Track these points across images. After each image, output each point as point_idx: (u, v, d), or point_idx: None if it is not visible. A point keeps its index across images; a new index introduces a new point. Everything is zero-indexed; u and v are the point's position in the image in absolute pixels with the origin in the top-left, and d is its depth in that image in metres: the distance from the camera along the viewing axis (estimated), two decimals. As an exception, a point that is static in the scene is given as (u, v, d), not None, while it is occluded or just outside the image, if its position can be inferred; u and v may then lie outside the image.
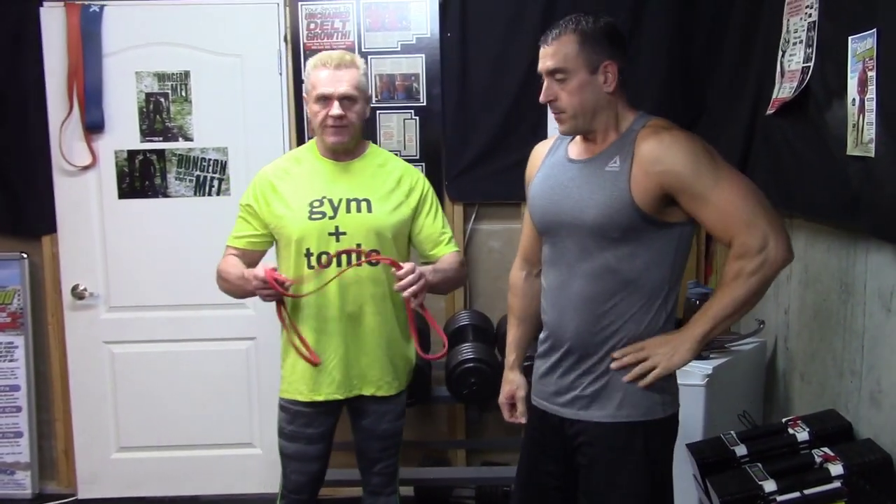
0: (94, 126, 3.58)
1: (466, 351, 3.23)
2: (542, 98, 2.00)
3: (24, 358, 3.73)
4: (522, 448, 2.25)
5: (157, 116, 3.61)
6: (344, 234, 2.48)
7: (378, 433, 2.64)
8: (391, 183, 2.58)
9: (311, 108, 2.50)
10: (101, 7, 3.53)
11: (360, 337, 2.53)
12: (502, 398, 2.36)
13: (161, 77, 3.59)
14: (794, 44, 2.63)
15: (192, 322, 3.68)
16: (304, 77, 2.58)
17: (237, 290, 2.55)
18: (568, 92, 1.94)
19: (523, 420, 2.29)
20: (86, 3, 3.52)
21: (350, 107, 2.46)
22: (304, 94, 2.64)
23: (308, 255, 2.49)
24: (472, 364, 3.17)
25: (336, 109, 2.43)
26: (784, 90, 2.67)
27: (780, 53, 2.74)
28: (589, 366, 2.00)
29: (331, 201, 2.50)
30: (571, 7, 3.45)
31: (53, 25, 3.52)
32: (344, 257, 2.46)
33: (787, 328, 2.94)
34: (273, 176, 2.57)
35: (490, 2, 3.53)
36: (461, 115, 3.59)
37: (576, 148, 2.06)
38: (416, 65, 3.58)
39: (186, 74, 3.58)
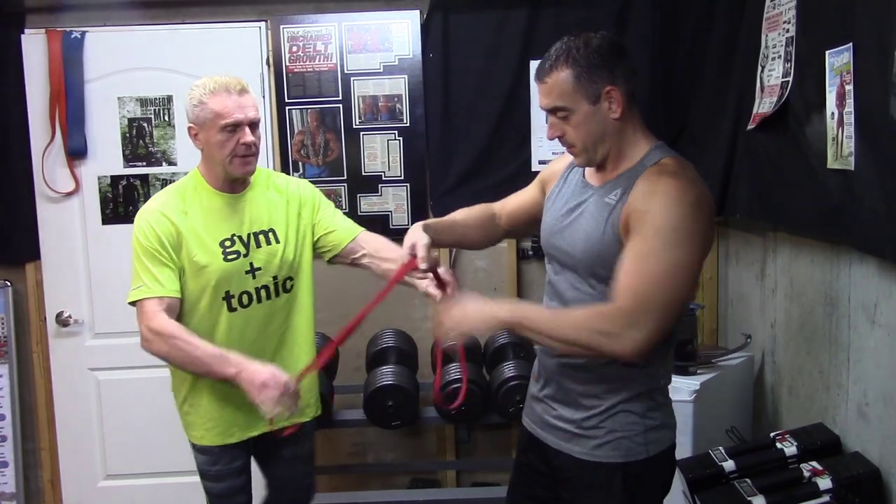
0: (76, 152, 3.56)
1: (454, 371, 3.22)
2: (548, 135, 1.90)
3: (8, 387, 3.69)
4: (514, 468, 2.19)
5: (141, 141, 3.60)
6: (259, 269, 2.38)
7: (303, 455, 2.68)
8: (283, 205, 2.47)
9: (214, 138, 2.28)
10: (83, 33, 3.53)
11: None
12: (403, 250, 2.06)
13: (144, 102, 3.58)
14: (773, 59, 2.65)
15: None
16: (192, 104, 2.30)
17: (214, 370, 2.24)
18: (573, 127, 1.83)
19: (423, 266, 2.01)
20: (67, 29, 3.52)
21: (255, 132, 2.32)
22: (191, 125, 2.33)
23: (228, 297, 2.35)
24: (461, 384, 3.15)
25: (249, 136, 2.28)
26: (764, 105, 2.68)
27: (760, 69, 2.76)
28: (562, 399, 1.96)
29: (241, 238, 2.37)
30: (553, 27, 3.50)
31: (35, 52, 3.51)
32: (263, 292, 2.39)
33: (773, 342, 2.95)
34: (173, 215, 2.32)
35: (471, 22, 3.55)
36: (445, 135, 3.60)
37: (590, 170, 1.96)
38: (398, 86, 3.59)
39: (169, 99, 3.58)
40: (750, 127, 2.77)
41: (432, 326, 1.80)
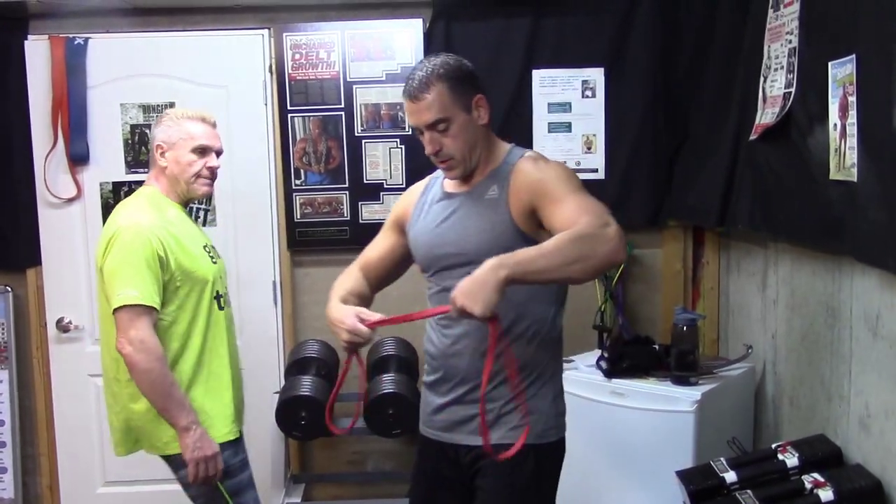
0: (78, 158, 3.57)
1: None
2: (428, 151, 2.04)
3: (8, 392, 3.69)
4: (414, 480, 2.32)
5: (143, 148, 3.60)
6: (221, 276, 2.60)
7: None
8: None
9: (183, 158, 2.47)
10: (86, 39, 3.54)
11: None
12: (349, 322, 2.03)
13: (146, 108, 3.59)
14: (776, 69, 2.65)
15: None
16: (166, 124, 2.50)
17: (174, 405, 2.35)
18: (452, 137, 2.00)
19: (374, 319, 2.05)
20: (70, 35, 3.53)
21: (218, 160, 2.56)
22: (160, 143, 2.49)
23: (217, 297, 2.52)
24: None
25: (215, 161, 2.53)
26: (766, 115, 2.68)
27: (762, 79, 2.76)
28: (476, 397, 1.99)
29: (207, 245, 2.58)
30: (555, 36, 3.51)
31: (38, 58, 3.52)
32: (223, 298, 2.57)
33: (774, 353, 2.94)
34: (167, 225, 2.43)
35: (474, 31, 3.55)
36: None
37: (452, 182, 2.13)
38: (401, 94, 3.58)
39: (171, 105, 3.57)
40: (752, 137, 2.77)
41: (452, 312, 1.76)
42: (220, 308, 2.53)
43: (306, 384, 3.24)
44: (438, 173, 2.20)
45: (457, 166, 2.05)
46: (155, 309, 2.34)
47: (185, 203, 2.58)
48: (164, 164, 2.49)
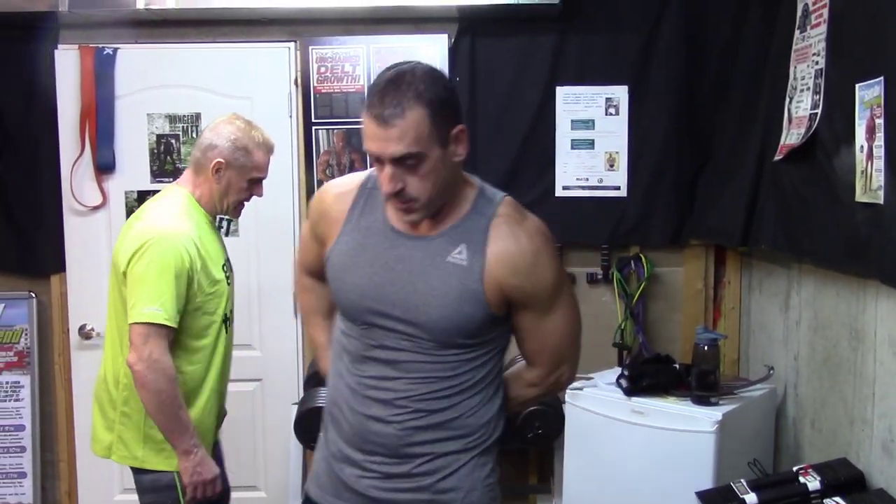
0: (105, 167, 3.61)
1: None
2: (386, 189, 1.61)
3: (29, 397, 3.72)
4: None
5: (168, 157, 3.63)
6: (232, 297, 2.57)
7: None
8: None
9: (238, 183, 2.47)
10: (115, 50, 3.58)
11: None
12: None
13: (172, 119, 3.62)
14: (802, 90, 2.64)
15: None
16: (235, 145, 2.44)
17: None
18: (420, 177, 1.60)
19: None
20: (100, 46, 3.57)
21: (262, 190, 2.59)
22: (221, 160, 2.43)
23: (226, 320, 2.50)
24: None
25: (261, 191, 2.57)
26: (792, 136, 2.68)
27: (788, 100, 2.75)
28: (407, 471, 1.75)
29: (229, 262, 2.57)
30: (579, 53, 3.52)
31: (68, 67, 3.57)
32: (230, 321, 2.55)
33: (796, 374, 2.92)
34: (195, 237, 2.38)
35: (498, 47, 3.57)
36: (469, 159, 3.56)
37: (394, 213, 1.72)
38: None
39: (197, 116, 3.62)
40: (777, 158, 2.77)
41: None
42: (227, 331, 2.52)
43: (325, 396, 3.23)
44: (374, 181, 1.76)
45: (418, 210, 1.65)
46: (172, 328, 2.29)
47: (214, 216, 2.56)
48: (216, 179, 2.44)
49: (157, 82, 3.62)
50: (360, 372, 1.75)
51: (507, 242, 1.68)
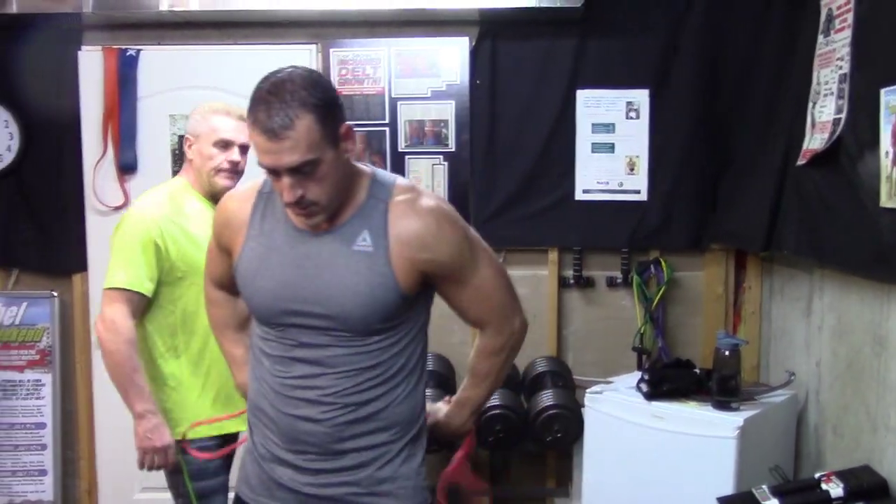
0: (127, 167, 3.63)
1: (493, 398, 3.21)
2: (287, 199, 1.62)
3: (51, 395, 3.75)
4: None
5: (189, 158, 3.65)
6: None
7: None
8: None
9: (206, 151, 2.50)
10: (138, 51, 3.60)
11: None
12: None
13: (194, 120, 3.64)
14: (825, 95, 2.63)
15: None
16: (195, 118, 2.54)
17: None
18: (317, 181, 1.61)
19: None
20: (123, 47, 3.60)
21: (244, 156, 2.54)
22: (188, 136, 2.54)
23: None
24: (498, 411, 3.16)
25: (236, 156, 2.51)
26: (815, 141, 2.67)
27: (811, 104, 2.74)
28: (339, 466, 1.77)
29: None
30: (600, 57, 3.52)
31: (91, 69, 3.60)
32: None
33: (818, 380, 2.90)
34: (176, 217, 2.46)
35: (519, 50, 3.58)
36: (490, 161, 3.61)
37: (301, 219, 1.73)
38: (445, 111, 3.61)
39: (219, 118, 3.63)
40: (800, 163, 2.75)
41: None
42: None
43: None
44: (271, 185, 1.75)
45: (320, 213, 1.66)
46: (141, 294, 2.38)
47: (213, 197, 2.52)
48: (191, 156, 2.54)
49: (179, 84, 3.64)
50: (284, 373, 1.76)
51: (407, 221, 1.71)
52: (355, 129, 1.70)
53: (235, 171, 2.53)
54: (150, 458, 2.41)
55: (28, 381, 3.75)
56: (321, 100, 1.58)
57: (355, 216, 1.71)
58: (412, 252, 1.70)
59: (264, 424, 1.81)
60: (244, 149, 2.52)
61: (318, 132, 1.57)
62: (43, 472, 3.77)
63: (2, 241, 3.73)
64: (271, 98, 1.56)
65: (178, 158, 3.65)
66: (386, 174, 1.80)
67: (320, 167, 1.59)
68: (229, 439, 2.56)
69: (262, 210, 1.79)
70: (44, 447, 3.77)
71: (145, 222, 2.42)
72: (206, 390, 2.52)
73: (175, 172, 3.65)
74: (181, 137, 3.61)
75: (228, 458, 2.57)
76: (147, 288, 2.40)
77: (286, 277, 1.72)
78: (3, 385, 3.81)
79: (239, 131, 2.50)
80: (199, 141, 2.52)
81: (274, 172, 1.61)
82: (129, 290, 2.37)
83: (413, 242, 1.70)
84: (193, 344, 2.50)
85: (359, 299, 1.68)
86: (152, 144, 3.65)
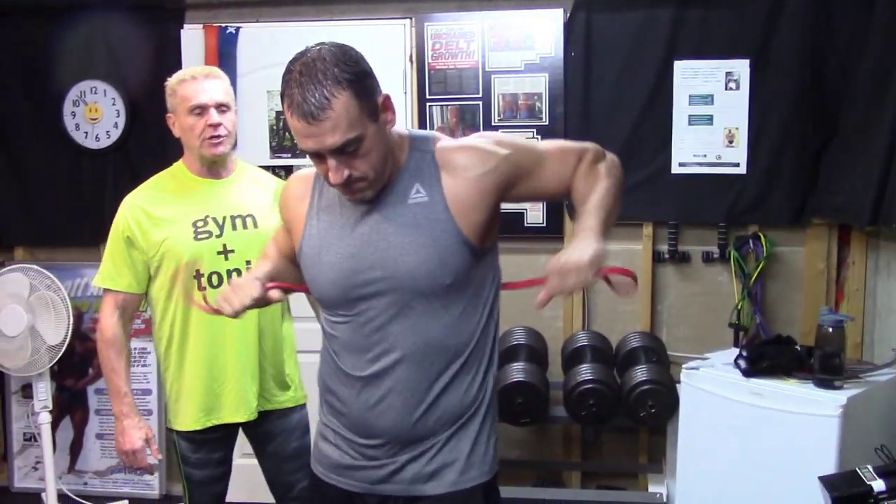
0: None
1: (585, 372, 3.21)
2: (334, 181, 1.57)
3: (155, 363, 3.88)
4: None
5: (287, 134, 3.73)
6: (232, 251, 2.42)
7: (288, 453, 2.60)
8: (269, 196, 2.51)
9: (184, 123, 2.40)
10: (237, 29, 3.69)
11: (257, 355, 2.50)
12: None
13: (290, 96, 3.70)
14: (941, 62, 2.52)
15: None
16: (167, 94, 2.44)
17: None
18: (363, 157, 1.56)
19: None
20: (223, 25, 3.69)
21: (225, 115, 2.41)
22: (168, 115, 2.46)
23: (198, 276, 2.40)
24: (591, 385, 3.15)
25: (215, 117, 2.38)
26: (929, 111, 2.56)
27: (924, 73, 2.62)
28: (418, 452, 1.72)
29: (214, 219, 2.43)
30: (699, 27, 3.44)
31: (193, 46, 3.70)
32: (235, 275, 2.40)
33: (926, 359, 2.80)
34: (144, 202, 2.43)
35: (615, 22, 3.52)
36: (584, 135, 3.55)
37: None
38: (539, 84, 3.59)
39: (315, 93, 3.69)
40: (911, 133, 2.65)
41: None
42: (201, 288, 2.40)
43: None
44: None
45: (369, 188, 1.61)
46: (118, 291, 2.42)
47: (212, 171, 2.48)
48: (178, 134, 2.46)
49: (276, 60, 3.63)
50: (354, 358, 1.71)
51: (455, 156, 1.66)
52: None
53: (219, 135, 2.40)
54: (123, 458, 2.51)
55: (134, 349, 3.90)
56: (355, 74, 1.53)
57: (403, 173, 1.66)
58: (471, 175, 1.63)
59: (336, 409, 1.78)
60: (222, 108, 2.41)
61: (357, 108, 1.52)
62: (149, 436, 3.92)
63: (110, 214, 3.85)
64: (304, 80, 1.51)
65: (276, 133, 3.73)
66: (422, 131, 1.78)
67: (363, 143, 1.54)
68: (223, 429, 2.52)
69: (321, 188, 1.74)
70: (149, 412, 3.93)
71: (118, 216, 2.44)
72: (195, 387, 2.47)
73: (273, 148, 3.75)
74: (279, 114, 3.72)
75: (220, 453, 2.57)
76: (122, 284, 2.42)
77: (349, 249, 1.67)
78: (112, 353, 3.99)
79: (207, 90, 2.39)
80: (177, 116, 2.43)
81: (317, 155, 1.57)
82: (107, 288, 2.44)
83: (468, 166, 1.64)
84: (190, 338, 2.45)
85: (422, 252, 1.61)
86: (251, 120, 3.73)
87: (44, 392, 3.66)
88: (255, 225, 2.46)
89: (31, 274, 3.56)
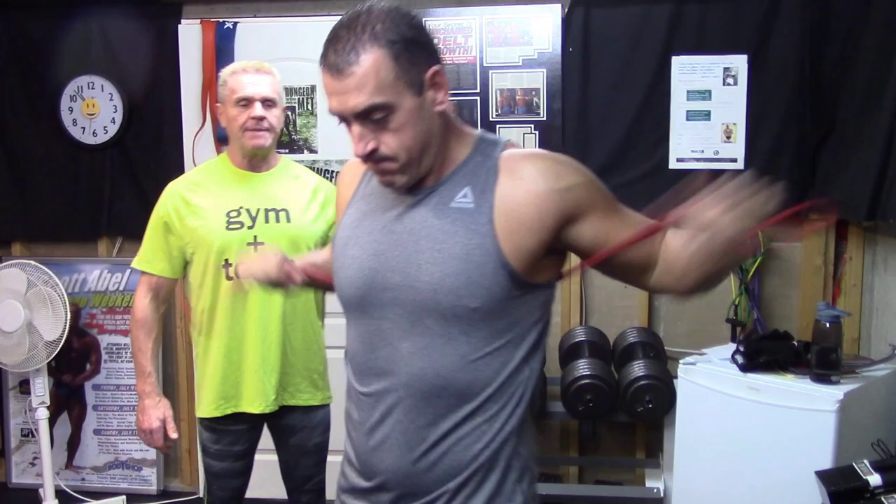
0: (225, 138, 3.68)
1: (583, 367, 3.21)
2: (357, 151, 1.37)
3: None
4: None
5: (284, 129, 3.71)
6: (262, 244, 2.42)
7: (309, 448, 2.60)
8: (307, 194, 2.54)
9: (230, 114, 2.44)
10: (235, 24, 3.68)
11: (280, 348, 2.47)
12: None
13: (288, 91, 3.69)
14: (938, 58, 2.52)
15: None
16: (219, 85, 2.50)
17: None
18: (393, 132, 1.35)
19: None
20: (220, 20, 3.68)
21: (270, 110, 2.44)
22: (217, 104, 2.53)
23: (227, 265, 2.42)
24: (588, 381, 3.15)
25: (258, 111, 2.40)
26: (926, 106, 2.56)
27: (922, 68, 2.63)
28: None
29: (248, 211, 2.45)
30: (697, 22, 3.44)
31: (190, 42, 3.70)
32: (233, 268, 2.39)
33: (924, 355, 2.81)
34: (184, 189, 2.49)
35: (613, 17, 3.52)
36: (582, 130, 3.58)
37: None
38: (537, 79, 3.59)
39: (312, 88, 3.69)
40: (909, 129, 2.65)
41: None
42: (229, 278, 2.41)
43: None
44: None
45: (400, 173, 1.39)
46: (152, 274, 2.49)
47: (251, 164, 2.50)
48: (224, 124, 2.50)
49: (274, 55, 3.65)
50: (361, 380, 1.50)
51: (526, 165, 1.40)
52: (448, 99, 1.43)
53: (261, 128, 2.42)
54: (143, 437, 2.54)
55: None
56: (401, 35, 1.31)
57: (457, 172, 1.43)
58: (532, 194, 1.37)
59: (349, 434, 1.56)
60: (268, 103, 2.43)
61: (392, 71, 1.31)
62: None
63: (108, 209, 3.88)
64: (342, 31, 1.32)
65: (273, 129, 3.72)
66: (494, 134, 1.53)
67: (395, 115, 1.33)
68: (244, 421, 2.50)
69: (370, 176, 1.53)
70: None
71: (160, 201, 2.50)
72: (215, 374, 2.48)
73: (271, 143, 3.74)
74: (276, 108, 3.72)
75: (241, 447, 2.53)
76: (156, 267, 2.49)
77: (376, 246, 1.45)
78: (109, 348, 4.00)
79: (258, 84, 2.43)
80: (224, 106, 2.47)
81: (343, 120, 1.37)
82: (143, 271, 2.51)
83: (538, 180, 1.37)
84: (215, 325, 2.46)
85: (450, 264, 1.36)
86: (248, 115, 3.73)
87: (41, 388, 3.65)
88: (289, 220, 2.48)
89: (29, 269, 3.55)
